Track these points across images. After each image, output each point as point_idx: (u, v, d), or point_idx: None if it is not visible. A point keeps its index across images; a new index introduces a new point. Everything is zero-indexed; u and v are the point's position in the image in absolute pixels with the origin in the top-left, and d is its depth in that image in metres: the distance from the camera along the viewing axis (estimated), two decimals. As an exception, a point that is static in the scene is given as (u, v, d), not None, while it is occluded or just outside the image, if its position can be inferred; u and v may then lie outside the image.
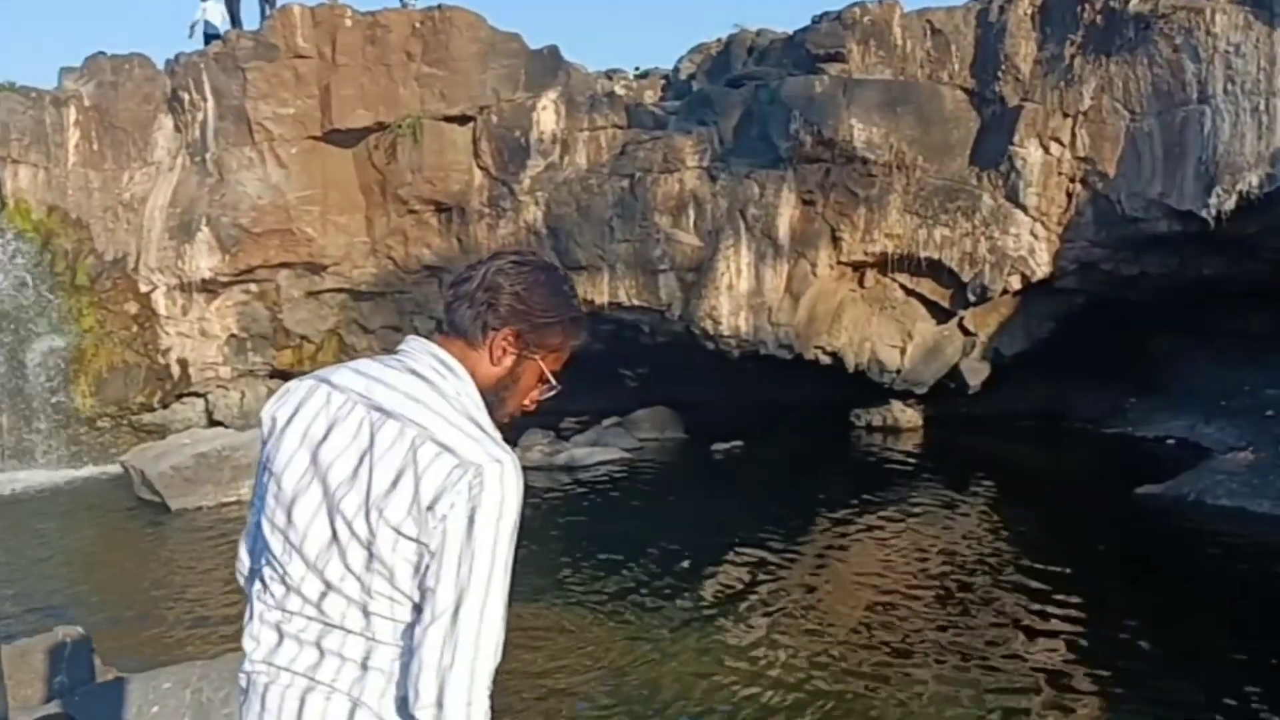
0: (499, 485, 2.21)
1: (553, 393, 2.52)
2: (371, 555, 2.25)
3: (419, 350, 2.40)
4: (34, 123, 19.25)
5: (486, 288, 2.40)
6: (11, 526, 14.38)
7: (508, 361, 2.41)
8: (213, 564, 11.93)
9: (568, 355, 2.51)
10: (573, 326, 2.48)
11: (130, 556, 13.00)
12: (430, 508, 2.20)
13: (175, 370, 19.83)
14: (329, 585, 2.30)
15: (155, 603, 10.72)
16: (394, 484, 2.23)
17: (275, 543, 2.39)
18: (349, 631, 2.30)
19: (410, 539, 2.23)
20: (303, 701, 2.32)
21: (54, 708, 6.20)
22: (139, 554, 13.01)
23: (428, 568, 2.22)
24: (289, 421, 2.42)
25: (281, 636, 2.38)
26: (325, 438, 2.33)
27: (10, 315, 18.56)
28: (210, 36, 20.67)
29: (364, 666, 2.30)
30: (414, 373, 2.35)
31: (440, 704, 2.18)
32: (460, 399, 2.33)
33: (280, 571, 2.38)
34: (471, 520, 2.19)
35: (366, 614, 2.29)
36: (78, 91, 19.67)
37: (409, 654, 2.24)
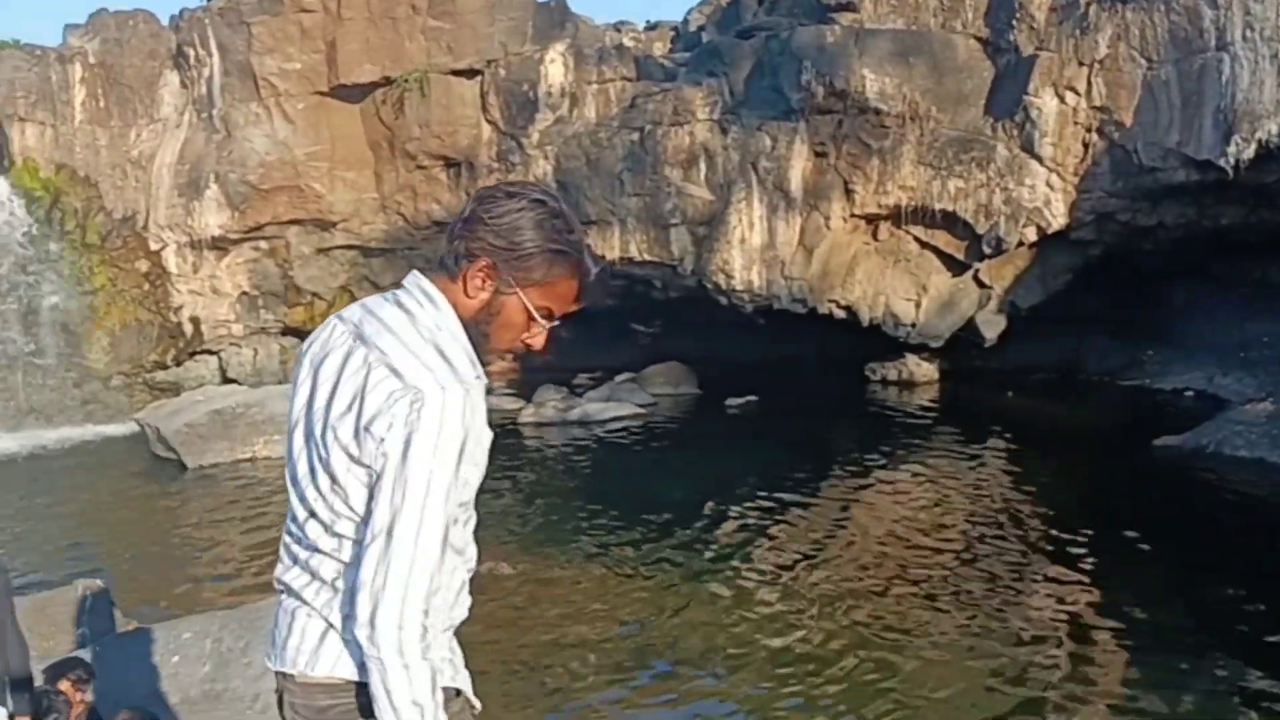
0: (439, 411, 2.18)
1: (545, 328, 2.41)
2: (333, 478, 2.29)
3: (411, 284, 2.40)
4: (40, 80, 19.14)
5: (466, 219, 2.36)
6: (29, 484, 14.43)
7: (484, 295, 2.34)
8: (229, 519, 11.96)
9: (565, 293, 2.38)
10: (556, 259, 2.33)
11: (148, 513, 13.04)
12: (368, 428, 2.20)
13: (188, 328, 19.83)
14: (309, 508, 2.35)
15: (174, 557, 10.76)
16: (349, 406, 2.26)
17: (288, 469, 2.45)
18: (323, 553, 2.35)
19: (356, 460, 2.24)
20: (293, 617, 2.41)
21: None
22: (156, 510, 13.05)
23: (373, 490, 2.24)
24: (305, 352, 2.46)
25: (291, 558, 2.44)
26: (320, 366, 2.38)
27: (22, 275, 18.53)
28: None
29: (334, 588, 2.33)
30: (398, 304, 2.36)
31: (373, 623, 2.17)
32: (434, 330, 2.31)
33: (288, 496, 2.45)
34: (408, 444, 2.17)
35: (335, 535, 2.32)
36: (83, 48, 19.54)
37: (353, 574, 2.27)
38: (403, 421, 2.17)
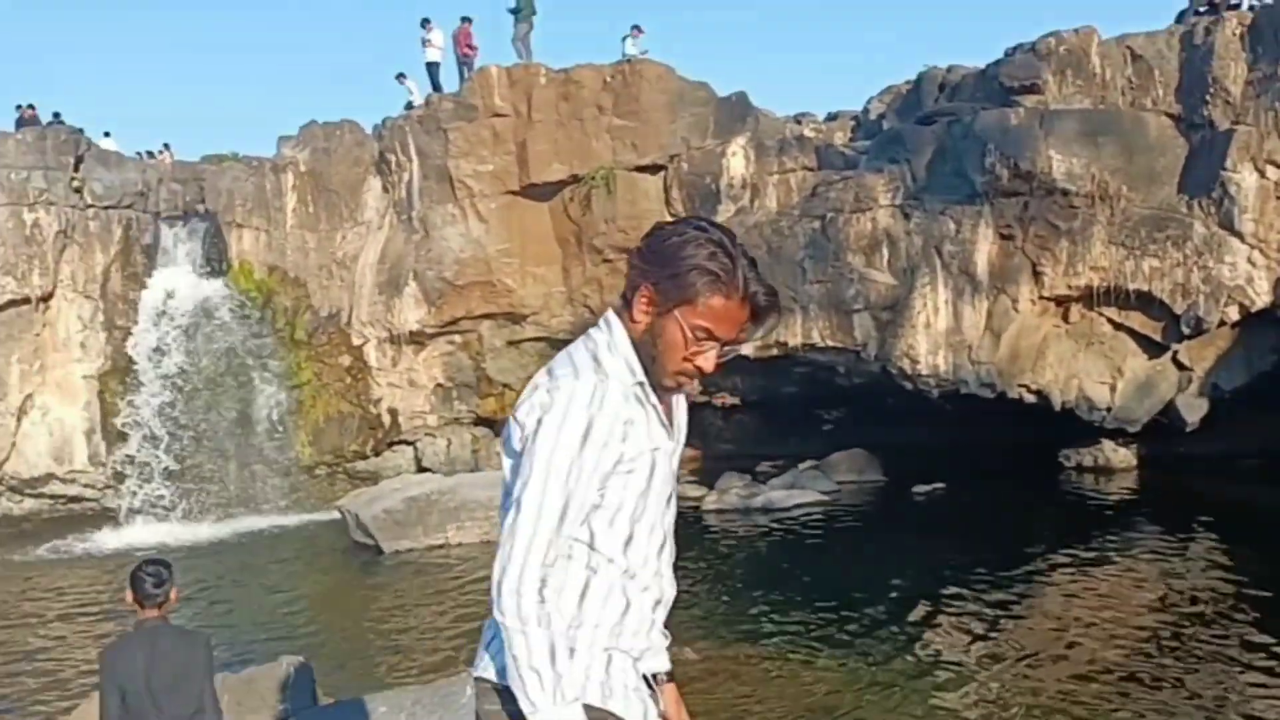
0: (568, 397, 2.35)
1: (711, 350, 2.42)
2: (507, 489, 2.47)
3: (602, 318, 2.57)
4: (255, 189, 20.57)
5: (634, 250, 2.51)
6: (240, 568, 15.24)
7: (646, 319, 2.44)
8: (424, 600, 12.35)
9: (723, 313, 2.39)
10: (704, 277, 2.37)
11: (348, 594, 13.60)
12: (515, 415, 2.44)
13: (386, 419, 20.70)
14: (501, 530, 2.51)
15: (371, 637, 11.17)
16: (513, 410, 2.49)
17: None
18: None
19: (511, 453, 2.46)
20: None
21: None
22: (355, 593, 13.60)
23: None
24: None
25: None
26: None
27: (236, 371, 19.73)
28: (413, 107, 21.77)
29: None
30: (585, 333, 2.55)
31: (499, 589, 2.34)
32: (599, 346, 2.47)
33: None
34: (539, 424, 2.36)
35: None
36: (294, 158, 20.91)
37: None
38: (538, 406, 2.38)
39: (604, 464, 2.38)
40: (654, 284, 2.42)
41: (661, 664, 2.67)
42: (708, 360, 2.45)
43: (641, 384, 2.45)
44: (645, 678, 2.55)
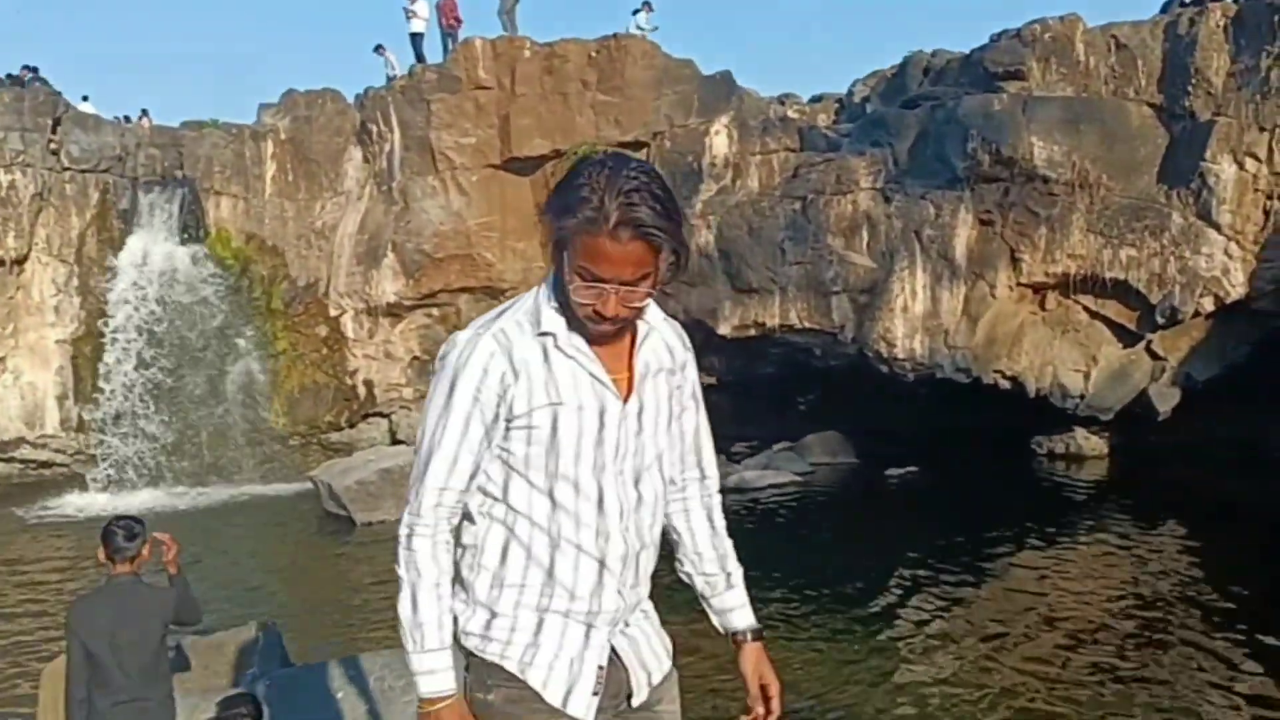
0: (458, 346, 2.39)
1: (600, 291, 2.26)
2: None
3: None
4: (235, 156, 20.40)
5: None
6: (212, 536, 15.14)
7: (553, 260, 2.37)
8: (395, 572, 12.30)
9: (594, 250, 2.24)
10: (568, 217, 2.24)
11: (319, 564, 13.58)
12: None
13: (361, 391, 20.63)
14: None
15: (342, 605, 11.18)
16: None
17: None
18: None
19: None
20: None
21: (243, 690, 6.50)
22: (327, 562, 13.58)
23: None
24: None
25: None
26: None
27: (211, 338, 19.61)
28: (391, 80, 21.63)
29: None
30: None
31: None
32: (520, 300, 2.48)
33: None
34: (433, 371, 2.47)
35: None
36: (275, 126, 20.76)
37: None
38: (438, 360, 2.45)
39: (478, 418, 2.36)
40: (554, 224, 2.31)
41: (736, 621, 2.77)
42: (606, 304, 2.30)
43: (550, 335, 2.37)
44: (614, 648, 2.51)
